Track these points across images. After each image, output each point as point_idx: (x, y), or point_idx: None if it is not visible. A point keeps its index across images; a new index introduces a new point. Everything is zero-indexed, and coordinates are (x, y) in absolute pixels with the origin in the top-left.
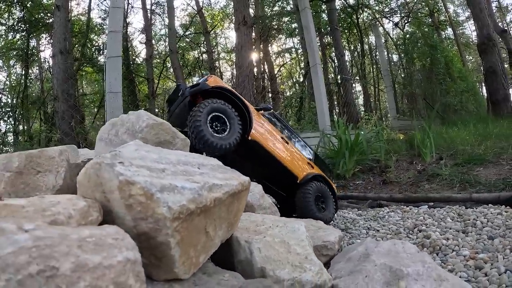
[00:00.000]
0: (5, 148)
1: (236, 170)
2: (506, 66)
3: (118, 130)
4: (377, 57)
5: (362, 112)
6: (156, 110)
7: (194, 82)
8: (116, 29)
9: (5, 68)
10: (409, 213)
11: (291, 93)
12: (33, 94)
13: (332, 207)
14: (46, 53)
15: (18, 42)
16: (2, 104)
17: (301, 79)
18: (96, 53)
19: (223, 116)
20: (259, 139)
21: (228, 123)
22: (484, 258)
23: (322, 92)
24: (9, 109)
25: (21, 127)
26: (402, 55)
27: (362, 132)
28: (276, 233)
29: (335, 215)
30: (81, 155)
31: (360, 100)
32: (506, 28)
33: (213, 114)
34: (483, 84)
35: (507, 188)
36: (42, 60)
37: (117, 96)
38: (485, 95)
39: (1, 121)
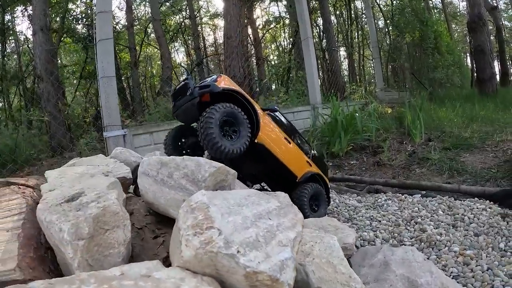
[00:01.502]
0: None
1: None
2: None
3: (172, 172)
4: (365, 25)
5: (346, 80)
6: (140, 80)
7: (203, 81)
8: (106, 9)
9: None
10: (405, 202)
11: (276, 60)
12: (11, 70)
13: (325, 206)
14: (23, 26)
15: None
16: None
17: (288, 46)
18: (75, 22)
19: (233, 121)
20: (265, 141)
21: (238, 128)
22: (471, 255)
23: (314, 66)
24: None
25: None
26: (390, 27)
27: (357, 114)
28: (322, 254)
29: (336, 203)
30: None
31: (344, 65)
32: (496, 4)
33: (224, 119)
34: (468, 55)
35: (492, 180)
36: (18, 34)
37: (111, 80)
38: (469, 65)
39: None
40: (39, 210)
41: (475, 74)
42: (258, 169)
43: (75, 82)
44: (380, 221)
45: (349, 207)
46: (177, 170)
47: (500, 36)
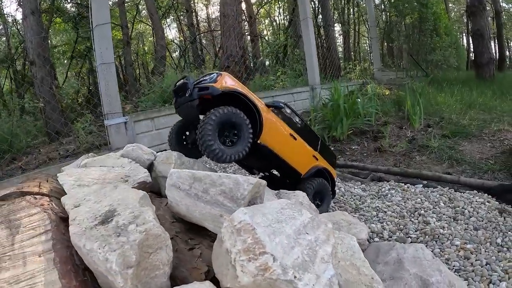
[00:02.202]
0: None
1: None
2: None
3: (207, 188)
4: (362, 1)
5: (341, 57)
6: (133, 58)
7: (202, 80)
8: None
9: None
10: (408, 192)
11: (271, 37)
12: (0, 53)
13: (328, 201)
14: (11, 8)
15: None
16: None
17: (283, 22)
18: (64, 1)
19: (234, 125)
20: (268, 142)
21: (238, 133)
22: (471, 249)
23: (313, 47)
24: None
25: None
26: (387, 4)
27: (359, 100)
28: (345, 256)
29: (342, 192)
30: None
31: (339, 42)
32: None
33: (224, 124)
34: (464, 35)
35: (489, 172)
36: (6, 16)
37: (110, 66)
38: (465, 45)
39: None
40: (74, 235)
41: (473, 58)
42: (262, 164)
43: (65, 62)
44: (385, 212)
45: (355, 196)
46: (213, 186)
47: (498, 20)
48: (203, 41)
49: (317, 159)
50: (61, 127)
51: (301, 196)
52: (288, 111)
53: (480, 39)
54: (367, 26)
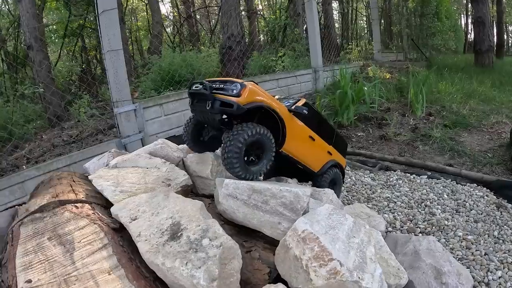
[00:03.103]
0: None
1: None
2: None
3: (267, 200)
4: None
5: (339, 36)
6: (127, 34)
7: (221, 86)
8: None
9: None
10: (414, 183)
11: (266, 13)
12: None
13: (340, 189)
14: None
15: None
16: None
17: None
18: None
19: (259, 146)
20: (289, 150)
21: (262, 153)
22: (471, 240)
23: (316, 29)
24: None
25: None
26: None
27: (366, 88)
28: (375, 250)
29: (353, 181)
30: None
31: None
32: None
33: (250, 144)
34: (463, 16)
35: (488, 165)
36: None
37: (119, 53)
38: (463, 27)
39: None
40: (147, 253)
41: (473, 45)
42: (278, 168)
43: (56, 41)
44: (395, 203)
45: (365, 185)
46: (273, 198)
47: (499, 7)
48: (197, 16)
49: (331, 154)
50: (61, 112)
51: (330, 194)
52: (307, 111)
53: (481, 26)
54: (364, 4)
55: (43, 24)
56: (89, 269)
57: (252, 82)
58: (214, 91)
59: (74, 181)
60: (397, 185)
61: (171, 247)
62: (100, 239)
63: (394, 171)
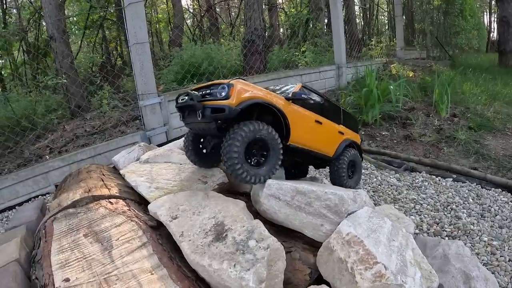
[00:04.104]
0: None
1: None
2: None
3: (311, 202)
4: None
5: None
6: (148, 26)
7: (208, 92)
8: None
9: None
10: (440, 185)
11: (287, 6)
12: (12, 25)
13: (360, 172)
14: None
15: None
16: None
17: None
18: None
19: (262, 142)
20: (297, 141)
21: (268, 150)
22: (496, 245)
23: (340, 26)
24: None
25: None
26: None
27: (392, 87)
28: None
29: (379, 181)
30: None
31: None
32: None
33: (251, 142)
34: (486, 14)
35: None
36: None
37: (145, 46)
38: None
39: None
40: (193, 254)
41: (497, 45)
42: (291, 162)
43: (77, 32)
44: (421, 205)
45: (391, 186)
46: (317, 200)
47: None
48: (217, 9)
49: (342, 134)
50: (84, 102)
51: (363, 195)
52: (311, 96)
53: (506, 26)
54: None
55: (65, 16)
56: (130, 268)
57: (239, 80)
58: (202, 98)
59: (104, 175)
60: (423, 187)
61: (217, 248)
62: (138, 237)
63: (419, 172)
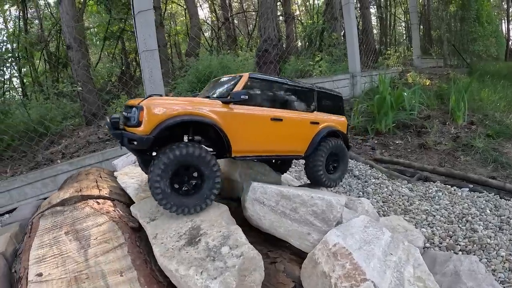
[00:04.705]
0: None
1: None
2: None
3: (296, 208)
4: None
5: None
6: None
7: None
8: None
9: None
10: (455, 196)
11: (303, 17)
12: (34, 35)
13: (345, 165)
14: None
15: None
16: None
17: (317, 3)
18: None
19: (194, 167)
20: (246, 150)
21: (199, 175)
22: None
23: (354, 34)
24: (10, 54)
25: (23, 69)
26: None
27: (405, 94)
28: (414, 270)
29: (389, 191)
30: None
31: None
32: None
33: (179, 168)
34: (503, 21)
35: None
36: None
37: (154, 54)
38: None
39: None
40: (162, 257)
41: None
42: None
43: (97, 43)
44: (434, 216)
45: (403, 196)
46: (303, 206)
47: None
48: (235, 21)
49: (317, 123)
50: (98, 110)
51: (366, 204)
52: (259, 87)
53: None
54: (403, 9)
55: (81, 23)
56: (101, 268)
57: (154, 96)
58: (125, 123)
59: (101, 177)
60: (437, 197)
61: (187, 252)
62: (116, 237)
63: (434, 182)
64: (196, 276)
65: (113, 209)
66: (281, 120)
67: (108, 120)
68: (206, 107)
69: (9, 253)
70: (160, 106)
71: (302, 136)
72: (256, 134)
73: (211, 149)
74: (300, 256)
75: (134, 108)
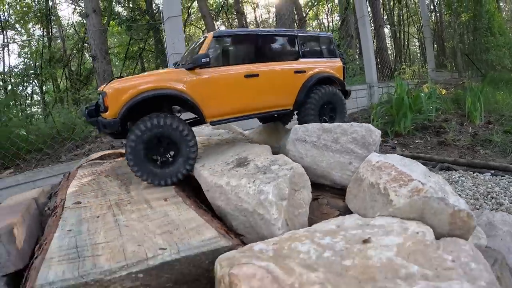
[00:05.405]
0: (35, 109)
1: None
2: None
3: (338, 138)
4: (410, 1)
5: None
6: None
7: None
8: None
9: (24, 31)
10: (478, 179)
11: None
12: (56, 54)
13: (343, 110)
14: (65, 12)
15: (35, 3)
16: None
17: (329, 24)
18: (117, 5)
19: (167, 137)
20: (221, 113)
21: (175, 146)
22: None
23: (370, 47)
24: (32, 71)
25: (44, 87)
26: (441, 5)
27: (422, 94)
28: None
29: None
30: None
31: (388, 42)
32: None
33: (152, 140)
34: None
35: None
36: (60, 19)
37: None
38: None
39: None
40: (210, 176)
41: None
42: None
43: (117, 64)
44: (460, 195)
45: None
46: (344, 135)
47: None
48: None
49: (304, 72)
50: None
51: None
52: (228, 44)
53: None
54: (416, 28)
55: (106, 35)
56: (144, 197)
57: (115, 80)
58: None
59: None
60: (460, 182)
61: (237, 171)
62: None
63: (456, 170)
64: (248, 185)
65: None
66: (257, 75)
67: (84, 109)
68: (176, 75)
69: (40, 200)
70: (121, 88)
71: (286, 89)
72: (228, 95)
73: (195, 116)
74: (341, 194)
75: (100, 95)
